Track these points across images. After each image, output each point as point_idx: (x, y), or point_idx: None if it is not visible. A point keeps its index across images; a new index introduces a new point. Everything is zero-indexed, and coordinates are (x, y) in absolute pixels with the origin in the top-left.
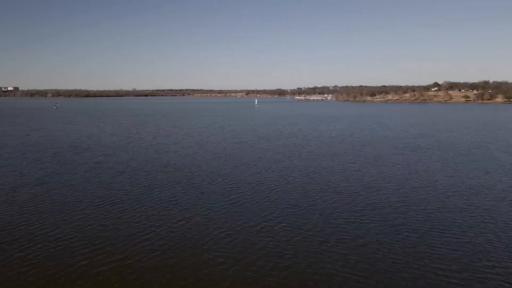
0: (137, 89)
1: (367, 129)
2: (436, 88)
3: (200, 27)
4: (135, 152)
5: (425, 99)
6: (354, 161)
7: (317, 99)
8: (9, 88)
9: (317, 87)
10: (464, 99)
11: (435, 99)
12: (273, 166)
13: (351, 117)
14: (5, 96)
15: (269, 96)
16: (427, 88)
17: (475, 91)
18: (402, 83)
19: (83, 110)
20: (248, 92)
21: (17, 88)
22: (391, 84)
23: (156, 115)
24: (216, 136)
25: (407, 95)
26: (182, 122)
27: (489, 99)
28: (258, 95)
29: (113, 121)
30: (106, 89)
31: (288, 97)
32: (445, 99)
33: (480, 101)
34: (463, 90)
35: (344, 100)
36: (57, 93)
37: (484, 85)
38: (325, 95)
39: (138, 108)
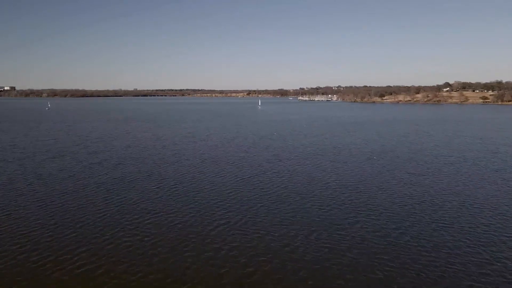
0: (137, 89)
1: (410, 143)
2: (447, 88)
3: (201, 27)
4: (73, 199)
5: (439, 100)
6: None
7: (322, 100)
8: (5, 88)
9: (320, 87)
10: (481, 100)
11: (450, 100)
12: (296, 229)
13: (373, 122)
14: (0, 96)
15: (271, 96)
16: (439, 88)
17: (490, 92)
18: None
19: (69, 111)
20: (249, 92)
21: (14, 87)
22: (395, 84)
23: (145, 119)
24: (213, 159)
25: (419, 95)
26: (171, 131)
27: (510, 100)
28: (260, 95)
29: (83, 128)
30: (106, 88)
31: (290, 97)
32: (461, 100)
33: (500, 103)
34: (477, 91)
35: (351, 101)
36: (53, 93)
37: (498, 85)
38: (330, 95)
39: (131, 108)
